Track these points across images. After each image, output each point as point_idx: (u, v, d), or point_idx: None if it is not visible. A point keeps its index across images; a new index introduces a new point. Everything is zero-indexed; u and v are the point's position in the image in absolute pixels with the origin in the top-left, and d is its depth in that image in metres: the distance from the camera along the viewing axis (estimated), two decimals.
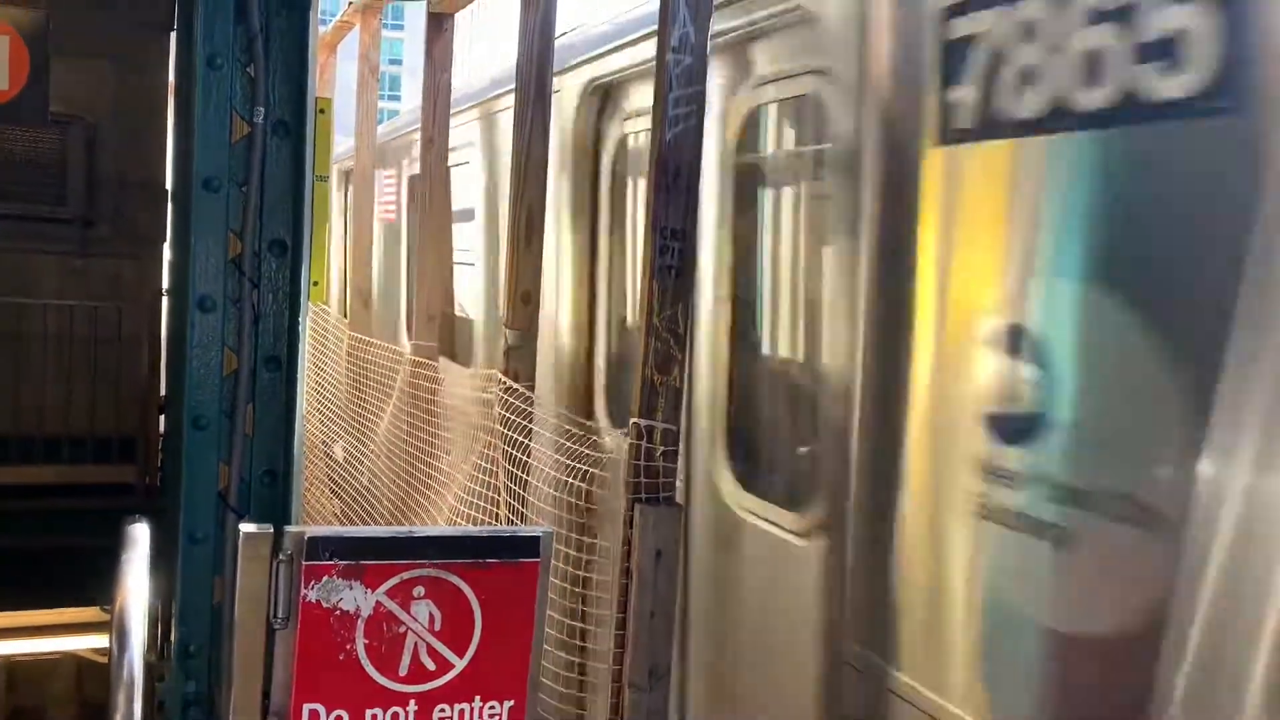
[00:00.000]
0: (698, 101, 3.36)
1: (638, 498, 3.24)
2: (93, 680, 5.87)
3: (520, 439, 4.19)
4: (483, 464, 4.48)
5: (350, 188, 7.15)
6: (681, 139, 3.35)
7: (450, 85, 6.21)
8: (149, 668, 2.85)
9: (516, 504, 4.18)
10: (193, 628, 2.83)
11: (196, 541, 2.81)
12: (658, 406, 3.25)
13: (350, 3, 8.43)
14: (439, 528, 4.56)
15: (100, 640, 5.53)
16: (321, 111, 2.83)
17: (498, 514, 4.28)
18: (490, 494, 4.40)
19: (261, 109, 2.77)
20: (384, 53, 8.99)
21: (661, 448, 3.23)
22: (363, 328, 7.44)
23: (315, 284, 2.92)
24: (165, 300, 6.15)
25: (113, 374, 6.80)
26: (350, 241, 8.48)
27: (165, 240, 6.53)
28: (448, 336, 6.08)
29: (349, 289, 8.59)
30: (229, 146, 2.77)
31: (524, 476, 4.14)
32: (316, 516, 6.91)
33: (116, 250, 6.97)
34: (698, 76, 3.37)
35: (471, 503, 4.51)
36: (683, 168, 3.34)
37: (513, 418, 4.25)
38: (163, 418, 6.46)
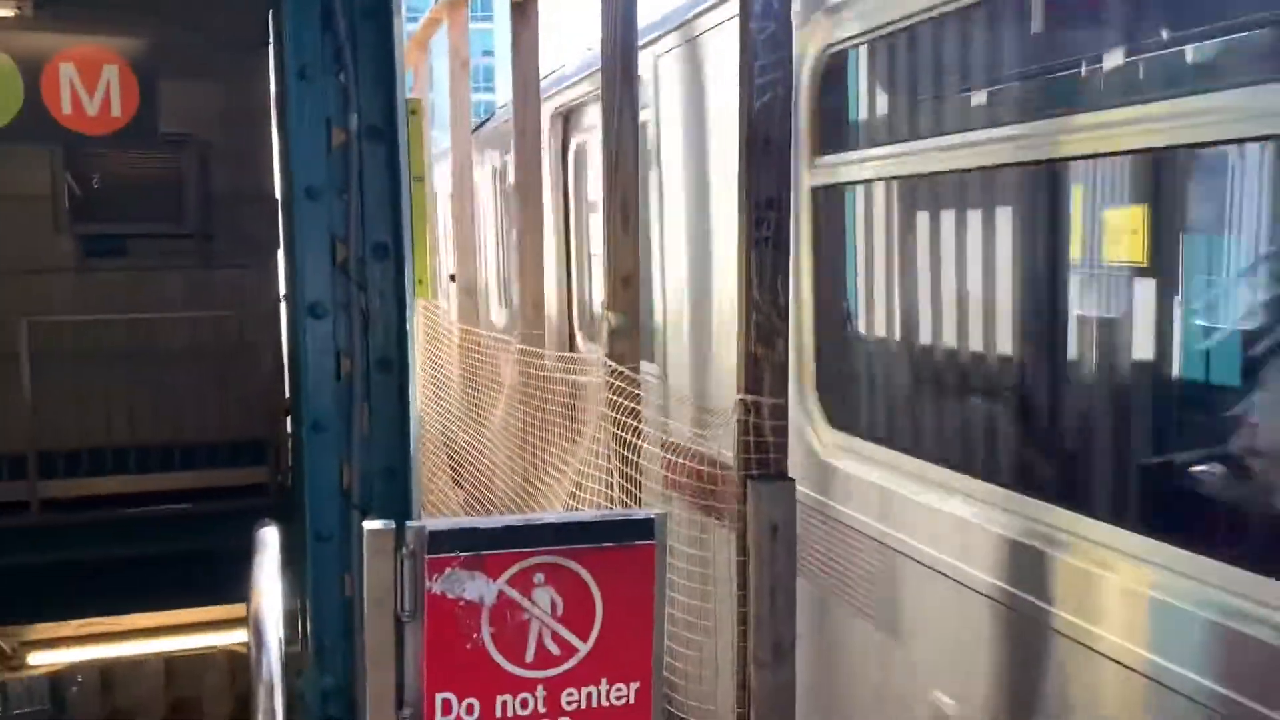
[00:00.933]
0: (784, 68, 3.30)
1: (749, 474, 3.22)
2: (244, 673, 6.15)
3: (629, 420, 4.20)
4: (594, 447, 4.52)
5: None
6: (770, 107, 3.29)
7: (538, 75, 6.20)
8: (289, 661, 2.96)
9: (631, 486, 4.20)
10: (326, 623, 2.93)
11: (323, 540, 2.91)
12: (763, 381, 3.21)
13: None
14: (553, 513, 4.62)
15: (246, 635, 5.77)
16: (413, 113, 2.88)
17: (612, 497, 4.31)
18: (605, 476, 4.43)
19: (354, 115, 2.82)
20: (475, 45, 9.05)
21: (770, 422, 3.20)
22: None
23: (420, 282, 3.02)
24: (284, 306, 6.38)
25: (240, 381, 7.07)
26: (455, 235, 8.39)
27: (279, 248, 6.75)
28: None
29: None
30: (326, 154, 2.83)
31: (635, 459, 4.16)
32: (442, 508, 7.08)
33: (234, 261, 7.23)
34: (782, 43, 3.30)
35: (586, 485, 4.56)
36: (773, 137, 3.28)
37: (620, 400, 4.27)
38: (289, 419, 6.71)
